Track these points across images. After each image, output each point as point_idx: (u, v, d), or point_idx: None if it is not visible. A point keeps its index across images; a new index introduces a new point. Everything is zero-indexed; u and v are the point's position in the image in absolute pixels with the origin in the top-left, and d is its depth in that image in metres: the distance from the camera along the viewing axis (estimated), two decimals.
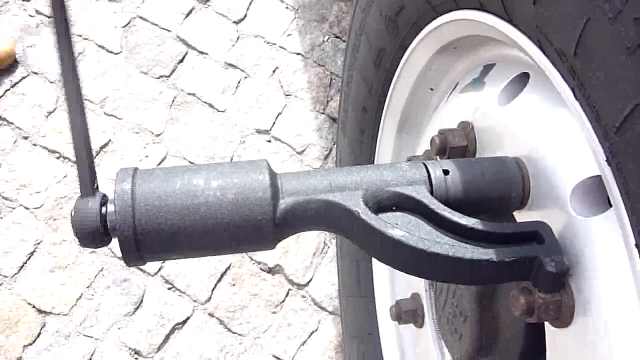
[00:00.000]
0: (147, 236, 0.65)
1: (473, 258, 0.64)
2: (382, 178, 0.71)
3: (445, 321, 0.97)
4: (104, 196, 0.68)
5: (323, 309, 1.95)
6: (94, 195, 0.66)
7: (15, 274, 1.87)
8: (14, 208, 1.94)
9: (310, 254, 2.01)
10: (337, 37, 2.40)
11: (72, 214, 0.66)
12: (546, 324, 0.70)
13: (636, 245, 0.53)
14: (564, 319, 0.66)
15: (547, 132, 0.72)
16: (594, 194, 0.65)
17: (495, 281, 0.70)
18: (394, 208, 0.71)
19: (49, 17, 2.22)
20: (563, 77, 0.59)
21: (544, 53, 0.62)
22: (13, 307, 1.82)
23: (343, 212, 0.69)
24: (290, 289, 1.97)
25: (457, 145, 0.87)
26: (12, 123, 2.05)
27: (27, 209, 1.94)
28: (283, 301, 1.95)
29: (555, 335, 0.69)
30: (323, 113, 2.25)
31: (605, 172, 0.56)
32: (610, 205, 0.59)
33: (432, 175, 0.72)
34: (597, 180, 0.64)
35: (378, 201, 0.70)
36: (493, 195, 0.72)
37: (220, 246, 0.69)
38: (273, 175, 0.69)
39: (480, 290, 0.84)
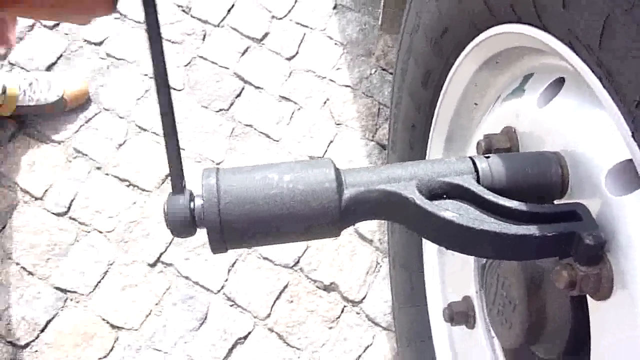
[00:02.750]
0: (230, 225, 0.72)
1: (517, 233, 0.71)
2: (433, 170, 0.79)
3: (495, 313, 1.03)
4: (191, 192, 0.78)
5: (377, 324, 2.01)
6: (183, 191, 0.75)
7: (91, 292, 1.99)
8: (88, 232, 2.08)
9: (363, 272, 2.07)
10: (384, 69, 2.51)
11: (165, 208, 0.75)
12: (589, 300, 0.75)
13: None
14: (604, 291, 0.70)
15: (582, 126, 0.78)
16: (627, 175, 0.70)
17: (538, 256, 0.77)
18: (444, 196, 0.77)
19: (118, 59, 2.42)
20: (591, 69, 0.67)
21: (574, 51, 0.71)
22: (89, 322, 1.93)
23: (400, 199, 0.76)
24: (345, 306, 2.03)
25: (501, 147, 0.94)
26: (86, 155, 2.21)
27: (101, 232, 2.08)
28: (338, 317, 2.01)
29: (597, 308, 0.73)
30: (372, 140, 2.35)
31: (634, 150, 0.64)
32: None
33: (479, 167, 0.79)
34: (629, 164, 0.71)
35: (430, 190, 0.77)
36: (534, 184, 0.78)
37: (293, 232, 0.75)
38: (337, 170, 0.78)
39: (527, 277, 0.91)
